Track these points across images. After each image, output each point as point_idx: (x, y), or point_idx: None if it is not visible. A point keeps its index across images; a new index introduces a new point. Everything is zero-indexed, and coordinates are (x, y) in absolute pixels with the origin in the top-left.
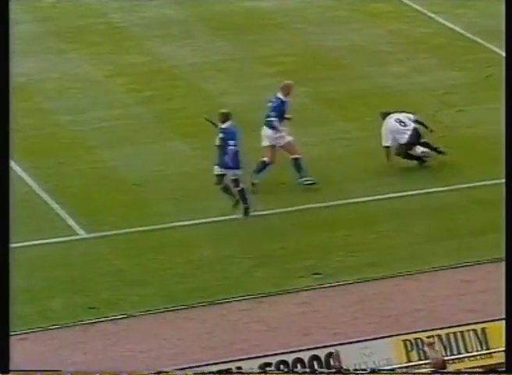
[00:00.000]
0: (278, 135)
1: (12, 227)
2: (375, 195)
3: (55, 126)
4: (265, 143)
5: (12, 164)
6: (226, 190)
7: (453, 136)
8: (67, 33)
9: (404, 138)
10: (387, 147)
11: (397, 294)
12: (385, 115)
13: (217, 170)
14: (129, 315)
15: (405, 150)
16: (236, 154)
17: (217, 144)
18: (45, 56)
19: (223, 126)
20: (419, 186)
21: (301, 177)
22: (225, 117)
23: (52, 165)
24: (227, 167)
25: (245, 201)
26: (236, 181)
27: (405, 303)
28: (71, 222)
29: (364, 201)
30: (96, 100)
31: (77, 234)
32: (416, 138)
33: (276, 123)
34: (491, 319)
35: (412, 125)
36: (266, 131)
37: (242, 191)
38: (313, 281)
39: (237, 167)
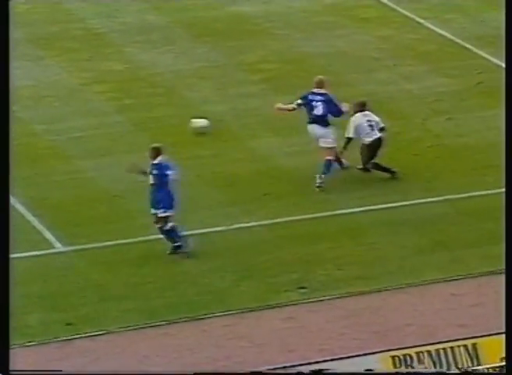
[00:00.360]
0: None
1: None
2: (362, 206)
3: (31, 135)
4: (325, 143)
5: None
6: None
7: (443, 145)
8: (43, 40)
9: (367, 141)
10: (350, 138)
11: (386, 308)
12: (360, 107)
13: (153, 211)
14: (107, 331)
15: (368, 153)
16: (169, 192)
17: (151, 182)
18: (20, 63)
19: (155, 161)
20: (408, 196)
21: (321, 175)
22: (157, 152)
23: (28, 175)
24: (160, 207)
25: (173, 240)
26: (165, 219)
27: (394, 318)
28: (48, 235)
29: (350, 213)
30: (73, 108)
31: (54, 248)
32: (377, 147)
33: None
34: (482, 334)
35: (378, 134)
36: (319, 130)
37: (170, 231)
38: (298, 295)
39: (170, 207)
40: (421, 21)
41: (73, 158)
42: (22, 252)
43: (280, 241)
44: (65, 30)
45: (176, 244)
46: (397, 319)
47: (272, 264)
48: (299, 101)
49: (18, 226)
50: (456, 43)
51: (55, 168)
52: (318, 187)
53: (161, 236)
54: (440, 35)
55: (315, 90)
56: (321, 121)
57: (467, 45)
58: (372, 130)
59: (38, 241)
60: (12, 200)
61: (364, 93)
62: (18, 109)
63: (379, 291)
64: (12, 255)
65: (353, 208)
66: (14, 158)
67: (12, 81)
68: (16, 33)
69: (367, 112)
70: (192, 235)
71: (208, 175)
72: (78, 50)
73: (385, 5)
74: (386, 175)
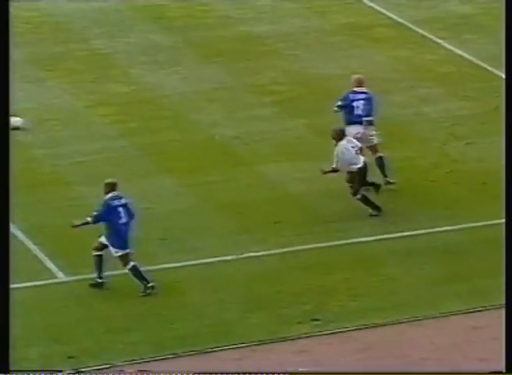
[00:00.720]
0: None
1: None
2: (376, 235)
3: (32, 160)
4: (368, 143)
5: None
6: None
7: (461, 171)
8: (45, 60)
9: (355, 168)
10: (336, 170)
11: (402, 341)
12: (341, 134)
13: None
14: (112, 364)
15: (360, 179)
16: (124, 230)
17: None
18: (21, 85)
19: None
20: (424, 225)
21: (385, 176)
22: (110, 188)
23: (29, 202)
24: (115, 245)
25: (141, 279)
26: (124, 258)
27: (411, 351)
28: (49, 264)
29: (364, 241)
30: (76, 132)
31: (56, 277)
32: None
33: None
34: (503, 369)
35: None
36: (361, 129)
37: (133, 269)
38: (311, 328)
39: (125, 246)
40: (439, 41)
41: (75, 184)
42: (22, 282)
43: (292, 271)
44: (69, 51)
45: (145, 283)
46: (414, 352)
47: (284, 295)
48: (339, 103)
49: (18, 254)
50: (476, 64)
51: (56, 194)
52: (390, 183)
53: (168, 266)
54: (459, 56)
55: (356, 89)
56: (365, 120)
57: (487, 66)
58: (358, 155)
59: (39, 270)
60: (12, 227)
61: (379, 116)
62: (18, 133)
63: (395, 323)
64: (12, 285)
65: (367, 236)
66: (14, 184)
67: (13, 103)
68: (16, 54)
69: (348, 138)
70: (200, 264)
71: (217, 201)
72: (81, 71)
73: (401, 24)
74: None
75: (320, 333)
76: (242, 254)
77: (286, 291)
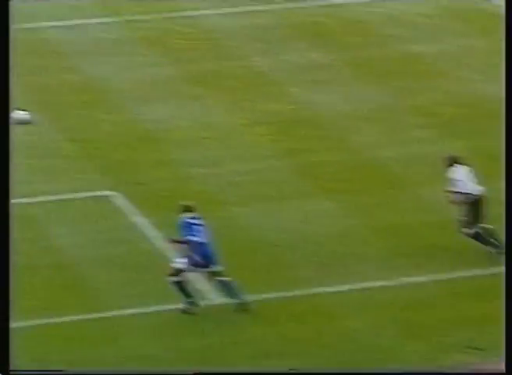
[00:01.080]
0: None
1: (132, 290)
2: None
3: (186, 179)
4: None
5: (139, 219)
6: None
7: None
8: (202, 77)
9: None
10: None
11: None
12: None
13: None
14: None
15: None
16: (205, 249)
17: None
18: (178, 102)
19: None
20: None
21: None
22: (187, 209)
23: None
24: (199, 264)
25: (233, 295)
26: (210, 275)
27: None
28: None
29: None
30: (231, 151)
31: (210, 299)
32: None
33: None
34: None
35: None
36: None
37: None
38: (470, 356)
39: (208, 265)
40: None
41: (228, 203)
42: (172, 304)
43: (449, 297)
44: (225, 68)
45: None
46: None
47: (441, 322)
48: None
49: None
50: None
51: (209, 213)
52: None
53: (323, 290)
54: None
55: None
56: None
57: None
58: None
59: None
60: (162, 246)
61: None
62: (172, 151)
63: None
64: (162, 307)
65: None
66: (169, 203)
67: (165, 121)
68: (173, 71)
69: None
70: (356, 289)
71: (374, 224)
72: (238, 89)
73: None
74: None
75: (479, 362)
76: (398, 278)
77: (443, 318)
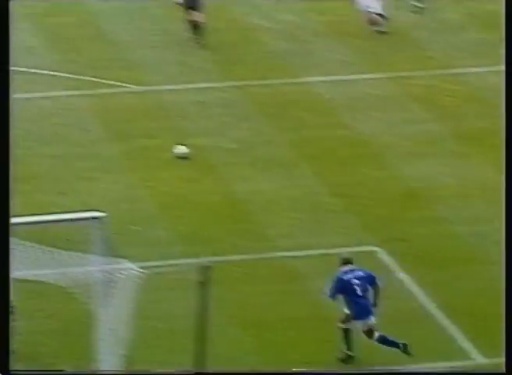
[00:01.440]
0: None
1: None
2: None
3: (449, 236)
4: None
5: (402, 275)
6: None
7: None
8: (467, 135)
9: None
10: None
11: None
12: None
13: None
14: None
15: None
16: (362, 302)
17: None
18: (445, 160)
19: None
20: None
21: None
22: (344, 262)
23: (443, 280)
24: (355, 317)
25: (392, 344)
26: (367, 331)
27: None
28: (465, 343)
29: None
30: (496, 209)
31: (471, 359)
32: None
33: None
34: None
35: None
36: None
37: (381, 339)
38: None
39: (364, 317)
40: None
41: (496, 263)
42: (440, 361)
43: None
44: (493, 125)
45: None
46: None
47: None
48: None
49: (433, 333)
50: None
51: (474, 273)
52: None
53: None
54: None
55: None
56: None
57: None
58: None
59: (453, 350)
60: (426, 301)
61: None
62: (441, 209)
63: None
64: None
65: None
66: (428, 260)
67: (433, 179)
68: (439, 127)
69: None
70: None
71: None
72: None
73: None
74: None
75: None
76: None
77: None
